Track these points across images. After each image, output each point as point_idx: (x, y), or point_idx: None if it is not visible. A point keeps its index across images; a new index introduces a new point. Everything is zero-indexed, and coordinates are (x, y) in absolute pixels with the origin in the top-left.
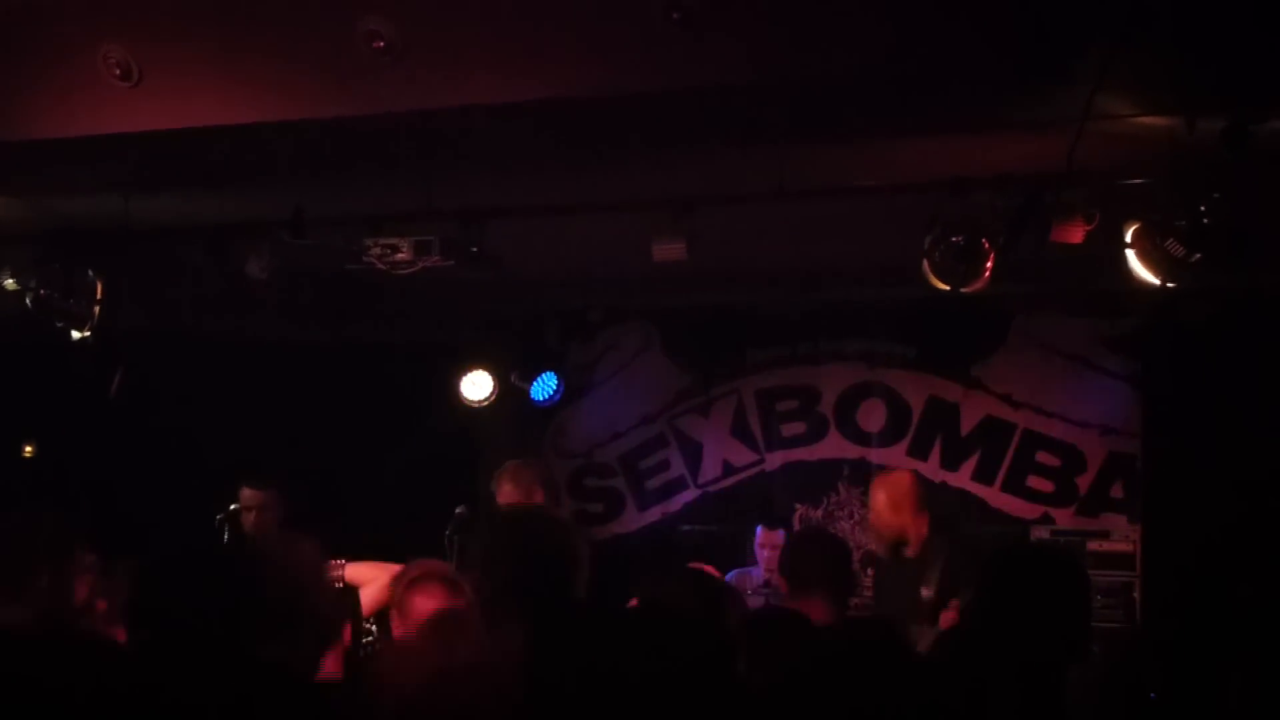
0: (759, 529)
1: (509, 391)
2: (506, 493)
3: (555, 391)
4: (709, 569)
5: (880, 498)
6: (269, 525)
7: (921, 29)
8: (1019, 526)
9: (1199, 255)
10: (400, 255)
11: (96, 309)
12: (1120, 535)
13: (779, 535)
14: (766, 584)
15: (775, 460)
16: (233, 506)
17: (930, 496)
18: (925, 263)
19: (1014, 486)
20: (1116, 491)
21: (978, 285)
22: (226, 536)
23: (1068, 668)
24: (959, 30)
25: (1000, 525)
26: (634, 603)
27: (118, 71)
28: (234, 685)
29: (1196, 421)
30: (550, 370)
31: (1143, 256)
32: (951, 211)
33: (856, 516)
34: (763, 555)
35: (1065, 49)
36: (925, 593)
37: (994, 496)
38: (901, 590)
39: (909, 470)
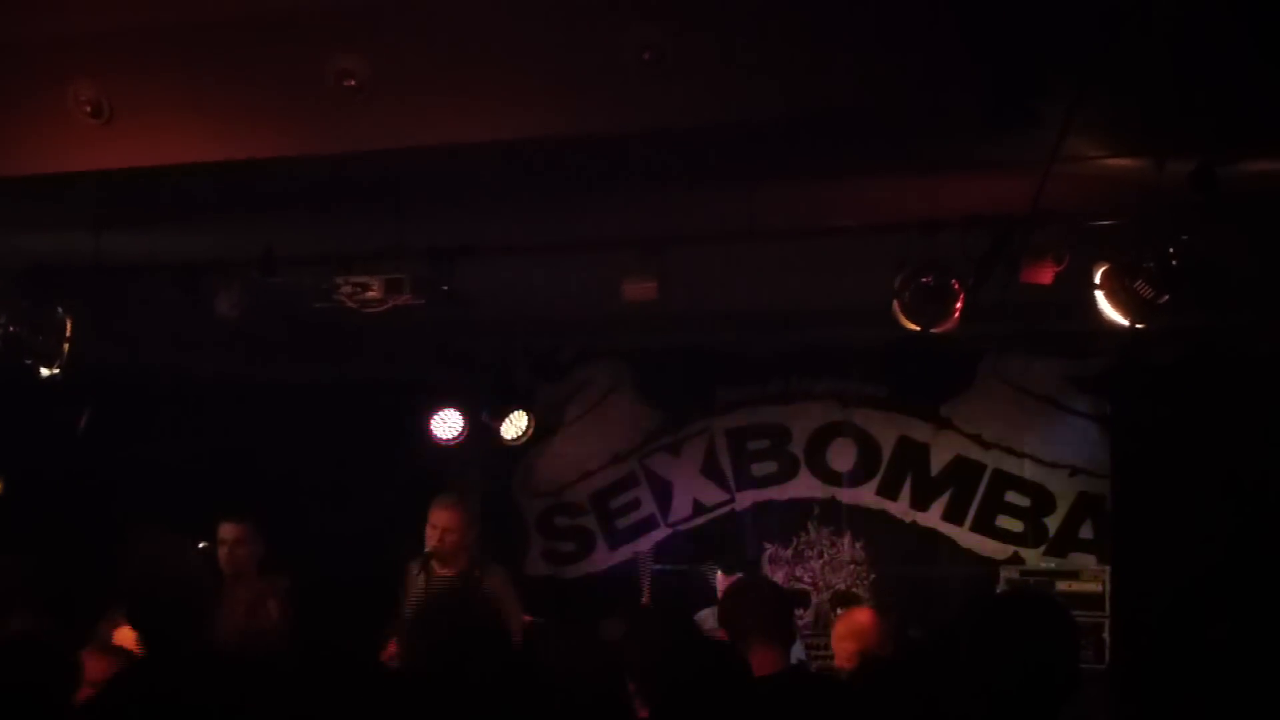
0: (718, 573)
1: (479, 430)
2: None
3: (525, 430)
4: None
5: (840, 630)
6: (246, 560)
7: (892, 71)
8: (989, 566)
9: (1167, 296)
10: (371, 293)
11: (65, 346)
12: (1090, 575)
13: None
14: None
15: (746, 499)
16: (203, 544)
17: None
18: (895, 303)
19: (984, 526)
20: (1086, 532)
21: (947, 325)
22: None
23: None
24: (929, 72)
25: (970, 565)
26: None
27: (88, 109)
28: None
29: (1165, 462)
30: (520, 409)
31: (1111, 298)
32: (921, 252)
33: (826, 556)
34: None
35: (1034, 92)
36: None
37: (964, 536)
38: None
39: (870, 611)
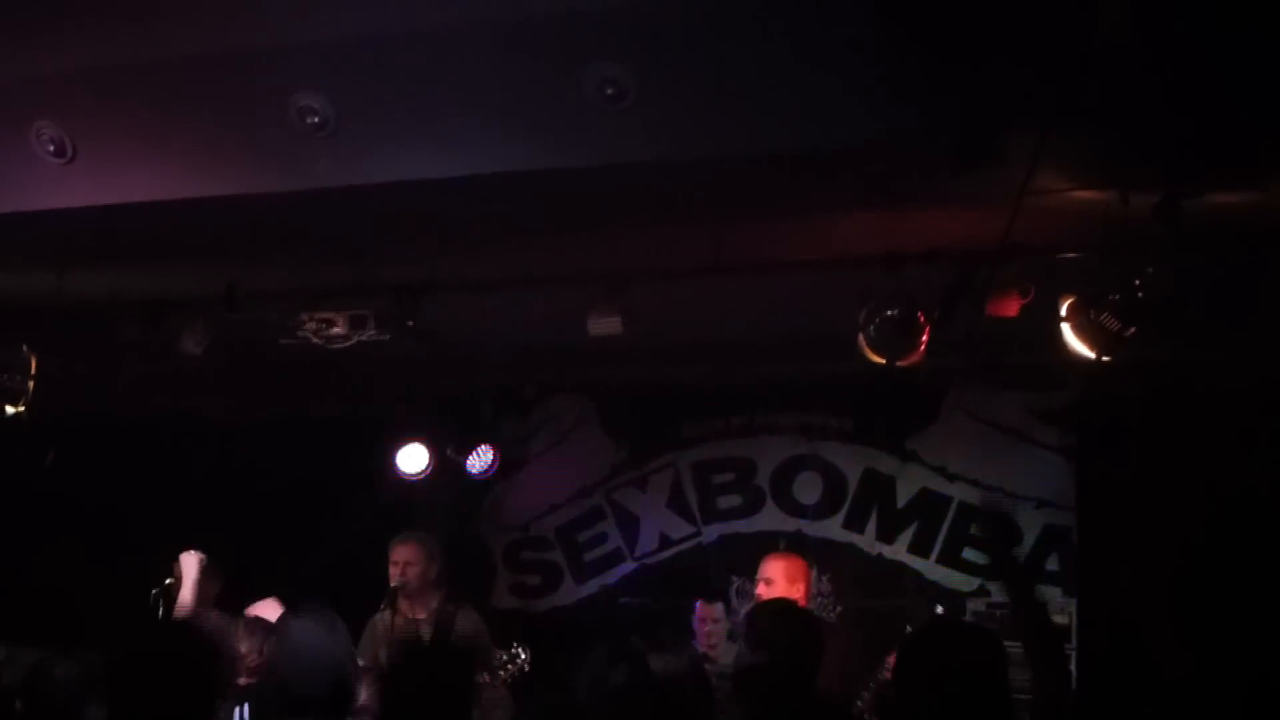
0: (697, 604)
1: (445, 465)
2: None
3: (491, 465)
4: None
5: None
6: (207, 596)
7: (854, 106)
8: (955, 599)
9: (1133, 329)
10: (335, 329)
11: (31, 384)
12: (1055, 608)
13: (718, 609)
14: (706, 659)
15: (712, 533)
16: (168, 581)
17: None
18: (860, 336)
19: (950, 559)
20: (1052, 564)
21: (913, 359)
22: (161, 611)
23: None
24: (894, 109)
25: (936, 598)
26: None
27: (51, 148)
28: None
29: (1131, 495)
30: (486, 443)
31: (1077, 330)
32: (886, 286)
33: None
34: (703, 630)
35: (1000, 127)
36: None
37: (930, 569)
38: None
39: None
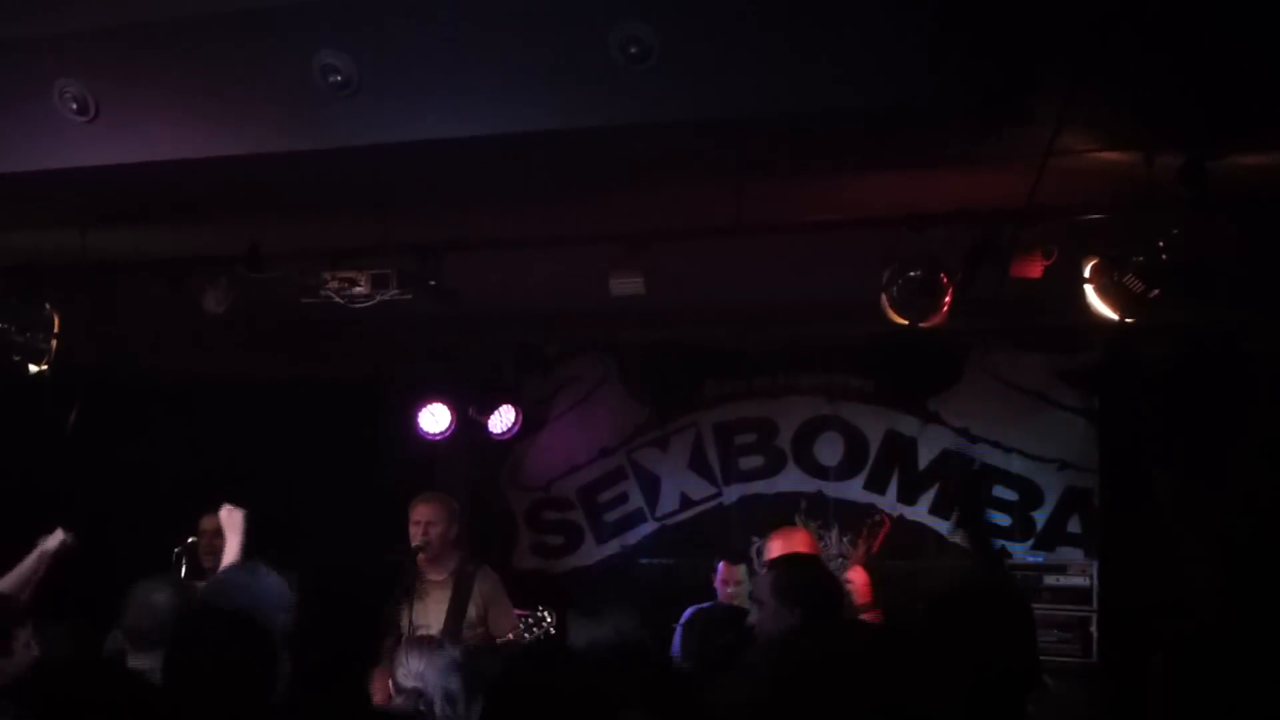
0: (720, 564)
1: (467, 425)
2: None
3: (513, 425)
4: None
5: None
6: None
7: (881, 67)
8: (975, 560)
9: (1156, 291)
10: (358, 289)
11: (54, 343)
12: (1077, 570)
13: (740, 570)
14: None
15: (733, 494)
16: (190, 539)
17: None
18: (884, 297)
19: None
20: (1073, 526)
21: (936, 320)
22: (184, 570)
23: (1024, 699)
24: (920, 69)
25: (957, 559)
26: None
27: (74, 106)
28: None
29: (1153, 456)
30: (508, 403)
31: (1101, 292)
32: (910, 247)
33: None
34: (725, 591)
35: (1026, 88)
36: None
37: (951, 530)
38: None
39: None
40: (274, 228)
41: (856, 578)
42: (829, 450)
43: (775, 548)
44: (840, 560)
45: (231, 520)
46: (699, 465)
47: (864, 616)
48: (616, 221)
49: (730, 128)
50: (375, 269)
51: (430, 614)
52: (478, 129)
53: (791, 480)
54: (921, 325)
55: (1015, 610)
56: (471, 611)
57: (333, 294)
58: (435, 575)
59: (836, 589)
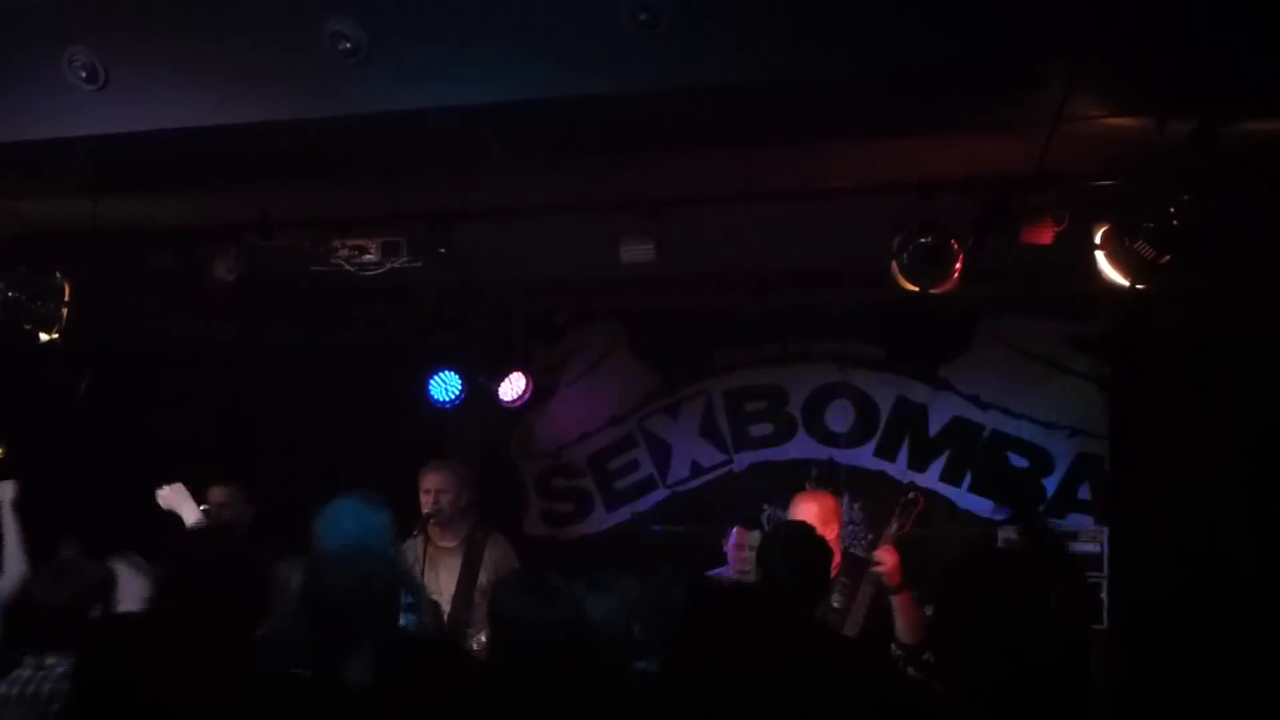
0: (734, 529)
1: (477, 392)
2: None
3: (523, 393)
4: None
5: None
6: (235, 523)
7: (890, 32)
8: (986, 527)
9: (1168, 257)
10: (368, 256)
11: (64, 311)
12: (1088, 537)
13: (755, 536)
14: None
15: (743, 461)
16: (203, 508)
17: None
18: (894, 264)
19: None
20: (1084, 493)
21: (946, 286)
22: None
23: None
24: (929, 34)
25: (968, 526)
26: None
27: (84, 74)
28: None
29: (1164, 423)
30: (518, 371)
31: (1111, 258)
32: (920, 213)
33: None
34: (741, 556)
35: (1034, 52)
36: None
37: (962, 497)
38: None
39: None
40: (284, 196)
41: (887, 558)
42: (839, 417)
43: (795, 510)
44: (852, 528)
45: (174, 497)
46: (709, 432)
47: (892, 598)
48: (627, 188)
49: (740, 95)
50: (385, 236)
51: (441, 581)
52: (487, 96)
53: (802, 448)
54: (932, 292)
55: (1029, 577)
56: (483, 578)
57: (343, 262)
58: (446, 542)
59: (806, 561)
